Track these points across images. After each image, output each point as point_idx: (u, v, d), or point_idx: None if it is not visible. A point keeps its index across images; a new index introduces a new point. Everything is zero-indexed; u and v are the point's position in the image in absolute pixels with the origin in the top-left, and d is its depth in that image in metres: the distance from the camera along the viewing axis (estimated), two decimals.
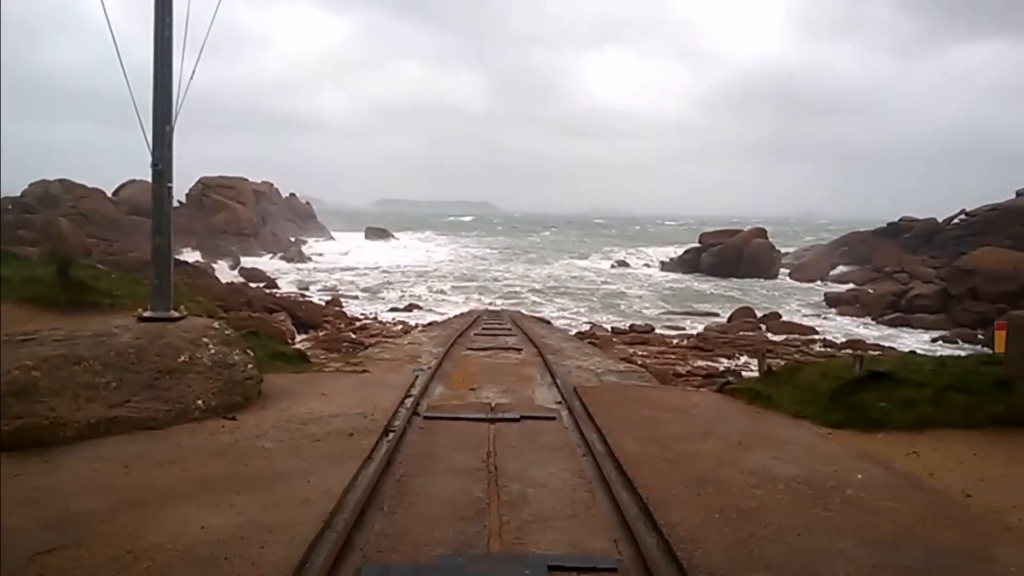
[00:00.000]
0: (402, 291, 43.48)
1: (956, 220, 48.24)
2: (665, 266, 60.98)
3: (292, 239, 67.93)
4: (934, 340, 30.19)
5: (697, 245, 59.92)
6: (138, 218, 46.94)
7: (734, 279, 51.32)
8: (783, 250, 61.75)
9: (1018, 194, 45.72)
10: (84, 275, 12.35)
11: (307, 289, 42.56)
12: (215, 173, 63.67)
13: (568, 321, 32.06)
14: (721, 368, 21.10)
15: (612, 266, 64.48)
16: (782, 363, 13.94)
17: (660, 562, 4.56)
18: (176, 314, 9.09)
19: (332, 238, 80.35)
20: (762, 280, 51.54)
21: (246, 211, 61.85)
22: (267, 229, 65.03)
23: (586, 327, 29.70)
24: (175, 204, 10.53)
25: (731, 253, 54.71)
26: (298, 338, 23.62)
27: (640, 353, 22.54)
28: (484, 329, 19.03)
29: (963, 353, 19.00)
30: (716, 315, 35.41)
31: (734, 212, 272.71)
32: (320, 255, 65.05)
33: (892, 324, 34.22)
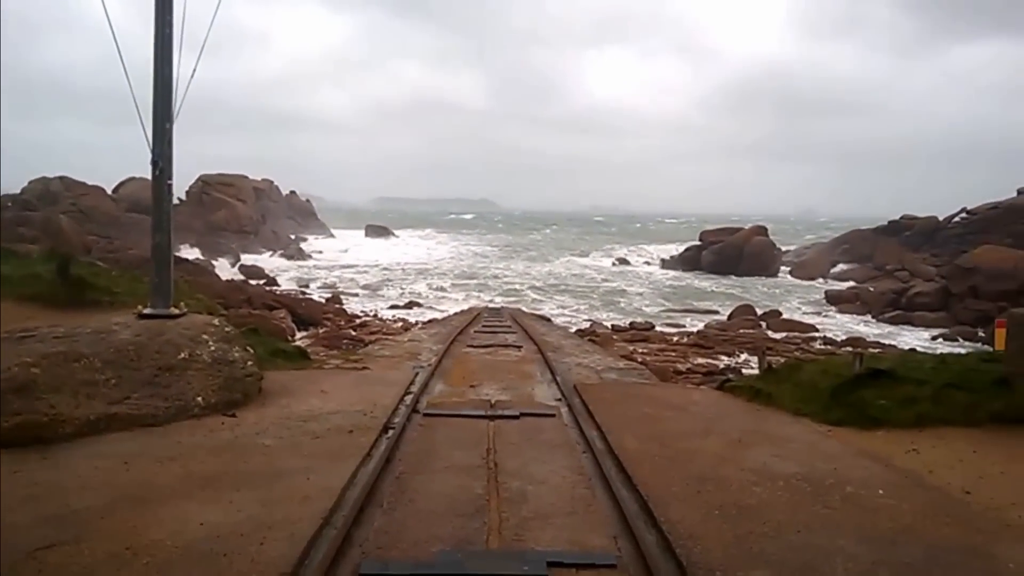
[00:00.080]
0: (402, 288, 43.47)
1: (957, 218, 48.25)
2: (666, 264, 60.93)
3: (292, 237, 67.97)
4: (934, 338, 30.18)
5: (698, 243, 59.84)
6: (138, 215, 46.89)
7: (734, 277, 51.30)
8: (784, 248, 61.72)
9: (1019, 192, 45.71)
10: (84, 272, 12.34)
11: (307, 286, 42.57)
12: (215, 171, 63.76)
13: (568, 318, 32.06)
14: (721, 366, 21.09)
15: (613, 264, 64.47)
16: (782, 361, 13.92)
17: (659, 559, 4.56)
18: (176, 311, 9.09)
19: (332, 236, 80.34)
20: (763, 278, 51.51)
21: (246, 208, 61.81)
22: (267, 227, 65.02)
23: (586, 324, 29.70)
24: (175, 201, 10.52)
25: (732, 251, 54.67)
26: (298, 335, 23.62)
27: (640, 350, 22.54)
28: (484, 326, 19.03)
29: (963, 351, 19.03)
30: (716, 313, 35.39)
31: (735, 210, 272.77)
32: (320, 252, 65.10)
33: (892, 322, 34.20)
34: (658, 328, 29.70)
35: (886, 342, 27.83)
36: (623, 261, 65.78)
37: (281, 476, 5.86)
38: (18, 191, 50.78)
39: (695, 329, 29.67)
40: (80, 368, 7.26)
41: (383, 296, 39.99)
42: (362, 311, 32.67)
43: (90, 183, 53.99)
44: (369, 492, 5.54)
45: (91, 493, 5.35)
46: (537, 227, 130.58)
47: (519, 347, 14.62)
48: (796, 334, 29.08)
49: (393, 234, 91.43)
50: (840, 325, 33.38)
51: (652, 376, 13.03)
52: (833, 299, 40.42)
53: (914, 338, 29.94)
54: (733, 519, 5.17)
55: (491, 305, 32.34)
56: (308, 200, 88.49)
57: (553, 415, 8.46)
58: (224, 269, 45.16)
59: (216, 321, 9.26)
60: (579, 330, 26.55)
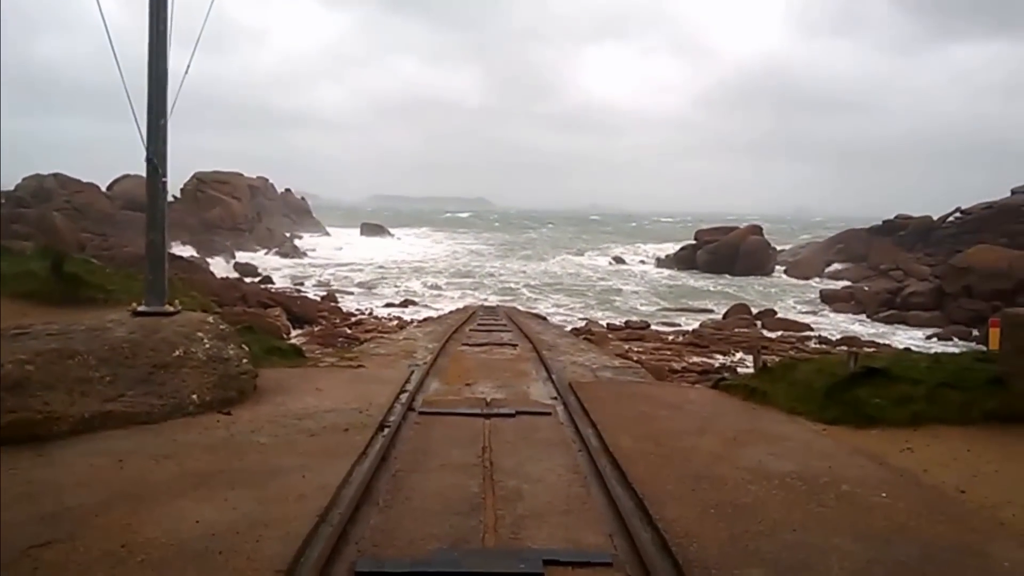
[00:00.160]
0: (397, 287, 43.47)
1: (951, 218, 48.41)
2: (661, 263, 61.02)
3: (287, 234, 67.84)
4: (929, 337, 30.30)
5: (693, 242, 59.95)
6: (133, 213, 46.73)
7: (730, 276, 51.40)
8: (779, 247, 61.88)
9: (1013, 192, 45.90)
10: (78, 270, 12.28)
11: (302, 284, 42.53)
12: (210, 168, 63.56)
13: (564, 317, 32.09)
14: (716, 364, 21.15)
15: (609, 262, 64.57)
16: (777, 360, 13.96)
17: (655, 557, 4.56)
18: (171, 309, 9.07)
19: (328, 234, 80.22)
20: (758, 277, 51.66)
21: (241, 206, 61.67)
22: (262, 224, 64.91)
23: (582, 323, 29.73)
24: (170, 199, 10.50)
25: (727, 250, 54.77)
26: (293, 333, 23.59)
27: (636, 349, 22.59)
28: (480, 325, 19.03)
29: (957, 350, 19.10)
30: (712, 312, 35.47)
31: (730, 209, 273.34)
32: (315, 250, 65.01)
33: (887, 321, 34.33)
34: (653, 327, 29.76)
35: (881, 341, 27.93)
36: (619, 260, 65.86)
37: (276, 474, 5.84)
38: (12, 188, 50.63)
39: (690, 328, 29.74)
40: (75, 365, 7.23)
41: (378, 294, 39.97)
42: (357, 309, 32.66)
43: (84, 180, 53.89)
44: (365, 490, 5.53)
45: (86, 491, 5.33)
46: (533, 226, 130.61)
47: (515, 345, 14.62)
48: (791, 333, 29.18)
49: (389, 232, 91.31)
50: (835, 324, 33.49)
51: (647, 375, 13.04)
52: (828, 298, 40.54)
53: (908, 337, 30.06)
54: (728, 517, 5.17)
55: (487, 303, 32.34)
56: (303, 198, 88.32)
57: (549, 413, 8.46)
58: (219, 267, 45.10)
59: (211, 319, 9.24)
60: (574, 329, 26.57)
